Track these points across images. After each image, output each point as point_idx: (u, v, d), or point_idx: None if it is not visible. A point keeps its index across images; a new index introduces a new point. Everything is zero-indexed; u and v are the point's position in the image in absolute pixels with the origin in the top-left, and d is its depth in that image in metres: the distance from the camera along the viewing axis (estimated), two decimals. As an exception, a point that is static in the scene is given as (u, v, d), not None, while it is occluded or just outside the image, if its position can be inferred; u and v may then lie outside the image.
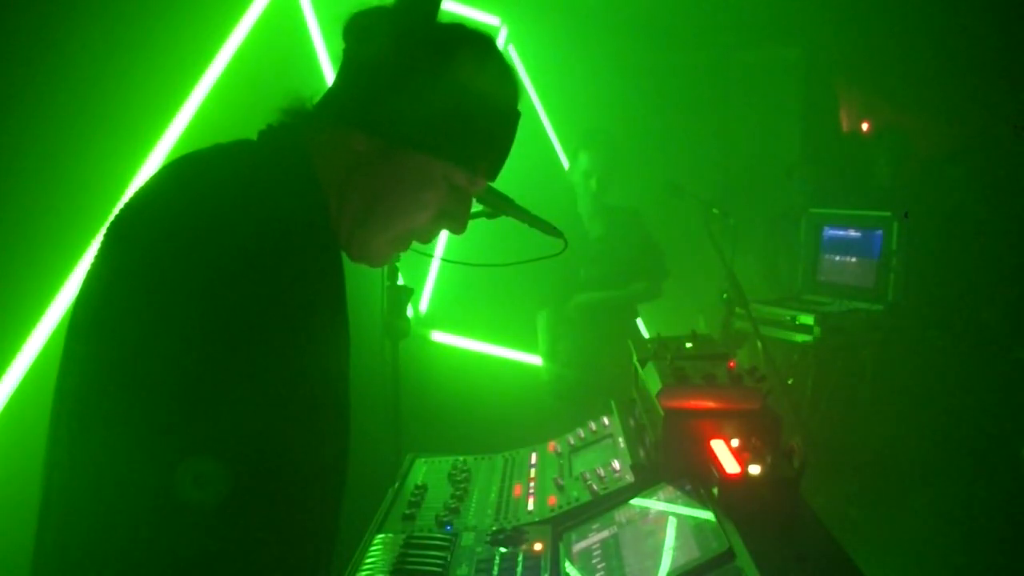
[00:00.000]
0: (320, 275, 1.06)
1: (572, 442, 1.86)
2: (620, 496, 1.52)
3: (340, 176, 1.13)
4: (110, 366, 0.96)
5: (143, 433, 0.92)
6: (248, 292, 0.95)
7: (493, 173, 1.21)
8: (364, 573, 1.39)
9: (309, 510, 1.04)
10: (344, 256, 1.20)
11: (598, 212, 3.73)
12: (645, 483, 1.52)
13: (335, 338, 1.09)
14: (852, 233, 4.03)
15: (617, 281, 3.71)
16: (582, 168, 3.68)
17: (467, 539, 1.48)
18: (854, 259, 4.00)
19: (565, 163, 4.79)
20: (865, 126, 5.39)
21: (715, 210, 3.53)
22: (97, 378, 0.98)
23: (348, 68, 1.16)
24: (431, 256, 3.48)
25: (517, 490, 1.69)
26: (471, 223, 1.91)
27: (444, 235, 4.05)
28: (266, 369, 0.95)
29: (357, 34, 1.15)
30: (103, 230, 1.08)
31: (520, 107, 1.22)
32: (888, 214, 3.84)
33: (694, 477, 1.42)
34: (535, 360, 4.28)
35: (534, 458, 1.85)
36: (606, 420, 1.89)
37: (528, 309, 3.82)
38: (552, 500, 1.60)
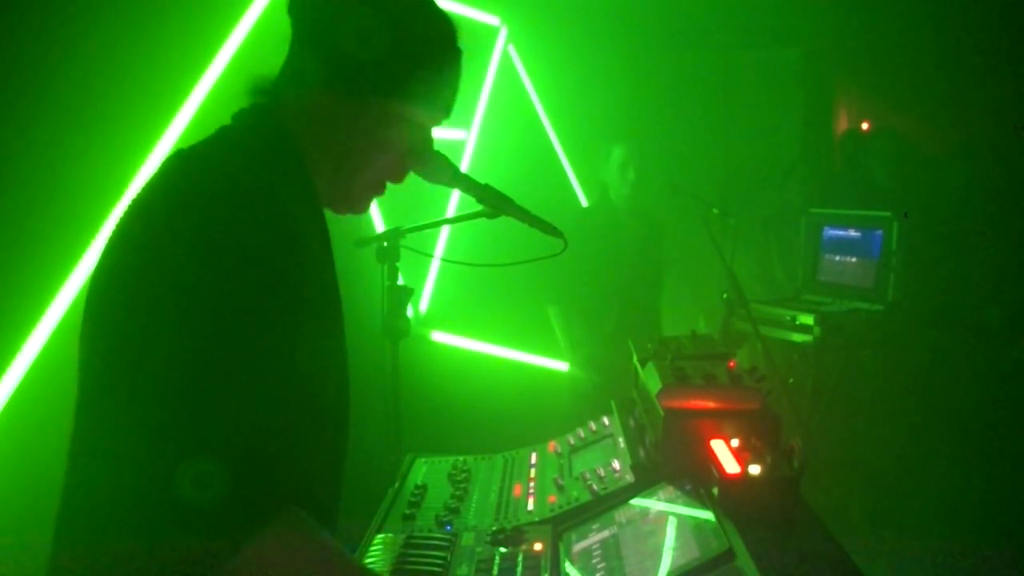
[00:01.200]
0: (305, 228, 1.15)
1: (572, 442, 1.86)
2: (620, 496, 1.52)
3: (312, 134, 1.22)
4: (121, 335, 1.03)
5: (147, 402, 0.97)
6: (239, 257, 1.02)
7: (447, 106, 1.30)
8: (364, 573, 1.39)
9: (315, 454, 1.15)
10: (342, 255, 1.28)
11: (635, 211, 3.74)
12: (645, 483, 1.52)
13: (328, 306, 1.18)
14: (852, 233, 4.02)
15: (648, 282, 3.73)
16: (618, 161, 3.69)
17: (467, 539, 1.48)
18: (854, 259, 4.00)
19: (565, 163, 4.79)
20: (865, 126, 5.39)
21: (715, 210, 3.53)
22: (110, 346, 1.04)
23: (297, 36, 1.25)
24: (431, 256, 3.48)
25: (517, 490, 1.69)
26: (471, 223, 1.92)
27: (444, 235, 4.04)
28: (265, 327, 1.02)
29: (299, 4, 1.25)
30: (108, 231, 1.14)
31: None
32: (888, 214, 3.84)
33: (694, 477, 1.42)
34: (536, 360, 4.29)
35: (534, 458, 1.85)
36: (606, 420, 1.88)
37: (530, 308, 3.82)
38: (552, 500, 1.60)
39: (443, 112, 1.30)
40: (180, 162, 1.16)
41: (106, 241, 1.13)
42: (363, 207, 1.32)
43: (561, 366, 4.25)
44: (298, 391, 1.06)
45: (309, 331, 1.10)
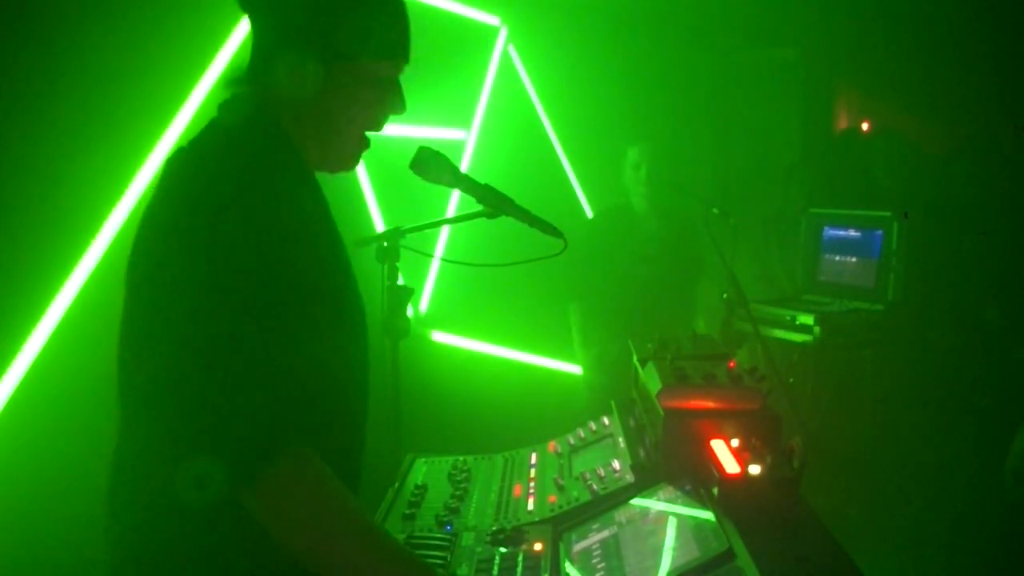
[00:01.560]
0: (297, 200, 1.26)
1: (572, 442, 1.86)
2: (620, 496, 1.52)
3: (292, 108, 1.33)
4: (153, 295, 1.19)
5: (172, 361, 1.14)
6: (239, 234, 1.14)
7: (404, 51, 1.39)
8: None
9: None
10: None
11: (654, 210, 3.74)
12: (645, 483, 1.52)
13: (329, 245, 1.31)
14: (852, 233, 4.02)
15: (672, 282, 3.73)
16: (631, 161, 3.70)
17: (467, 539, 1.48)
18: (854, 259, 3.99)
19: (565, 163, 4.79)
20: (865, 126, 5.39)
21: (715, 210, 3.53)
22: (147, 305, 1.21)
23: (255, 23, 1.35)
24: (431, 256, 3.48)
25: (517, 490, 1.69)
26: (471, 223, 1.93)
27: (444, 235, 4.03)
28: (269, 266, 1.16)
29: None
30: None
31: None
32: (888, 214, 3.83)
33: (694, 477, 1.42)
34: (536, 360, 4.28)
35: (534, 458, 1.85)
36: (606, 420, 1.89)
37: (530, 308, 3.82)
38: (552, 500, 1.60)
39: (403, 57, 1.39)
40: (179, 160, 1.28)
41: (133, 242, 1.27)
42: (353, 163, 1.43)
43: (559, 365, 4.26)
44: (307, 349, 1.18)
45: (310, 298, 1.20)
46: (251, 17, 1.35)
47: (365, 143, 1.41)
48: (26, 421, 2.19)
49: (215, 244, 1.14)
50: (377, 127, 1.41)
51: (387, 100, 1.39)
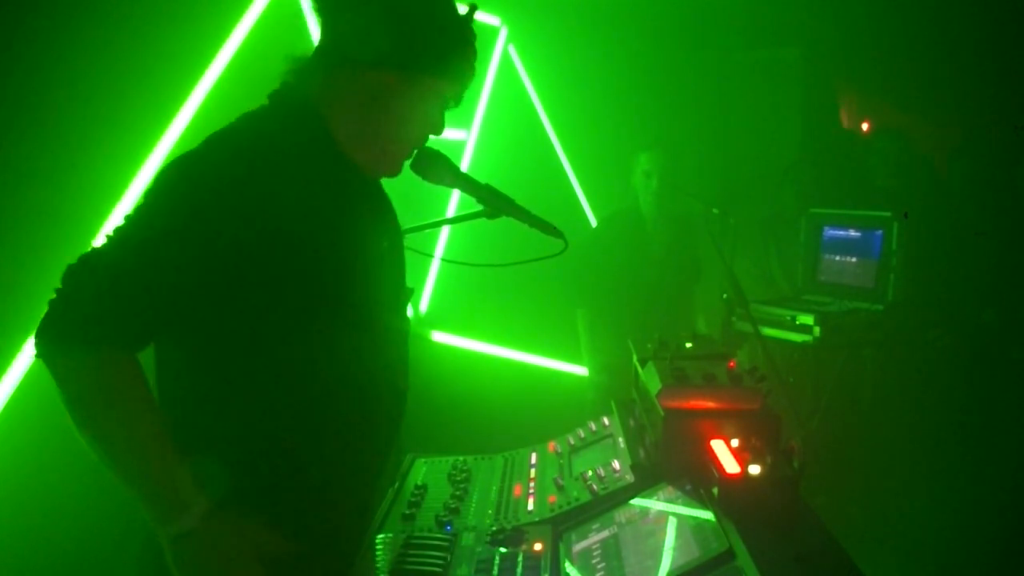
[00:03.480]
0: (293, 176, 1.33)
1: (572, 442, 1.86)
2: (620, 496, 1.52)
3: (351, 106, 1.40)
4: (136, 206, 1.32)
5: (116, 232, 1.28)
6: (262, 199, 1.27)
7: (465, 82, 1.47)
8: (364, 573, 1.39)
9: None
10: None
11: (663, 217, 3.73)
12: (645, 483, 1.52)
13: (338, 243, 1.36)
14: (852, 233, 4.02)
15: (676, 284, 3.72)
16: (642, 168, 3.68)
17: (467, 539, 1.48)
18: (854, 259, 3.99)
19: (565, 163, 4.79)
20: (865, 126, 5.38)
21: (715, 210, 3.53)
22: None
23: (328, 23, 1.41)
24: (431, 256, 3.48)
25: (517, 490, 1.69)
26: (471, 223, 1.95)
27: (444, 235, 4.02)
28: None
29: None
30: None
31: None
32: (888, 214, 3.83)
33: (694, 477, 1.42)
34: (536, 360, 4.29)
35: (534, 458, 1.85)
36: (606, 420, 1.89)
37: (531, 308, 3.82)
38: (552, 500, 1.60)
39: (462, 86, 1.48)
40: (228, 125, 1.38)
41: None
42: (398, 169, 1.51)
43: (559, 365, 4.26)
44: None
45: (269, 276, 1.29)
46: (320, 13, 1.41)
47: (408, 152, 1.49)
48: (26, 421, 2.19)
49: (186, 191, 1.27)
50: (422, 140, 1.50)
51: (433, 117, 1.47)
